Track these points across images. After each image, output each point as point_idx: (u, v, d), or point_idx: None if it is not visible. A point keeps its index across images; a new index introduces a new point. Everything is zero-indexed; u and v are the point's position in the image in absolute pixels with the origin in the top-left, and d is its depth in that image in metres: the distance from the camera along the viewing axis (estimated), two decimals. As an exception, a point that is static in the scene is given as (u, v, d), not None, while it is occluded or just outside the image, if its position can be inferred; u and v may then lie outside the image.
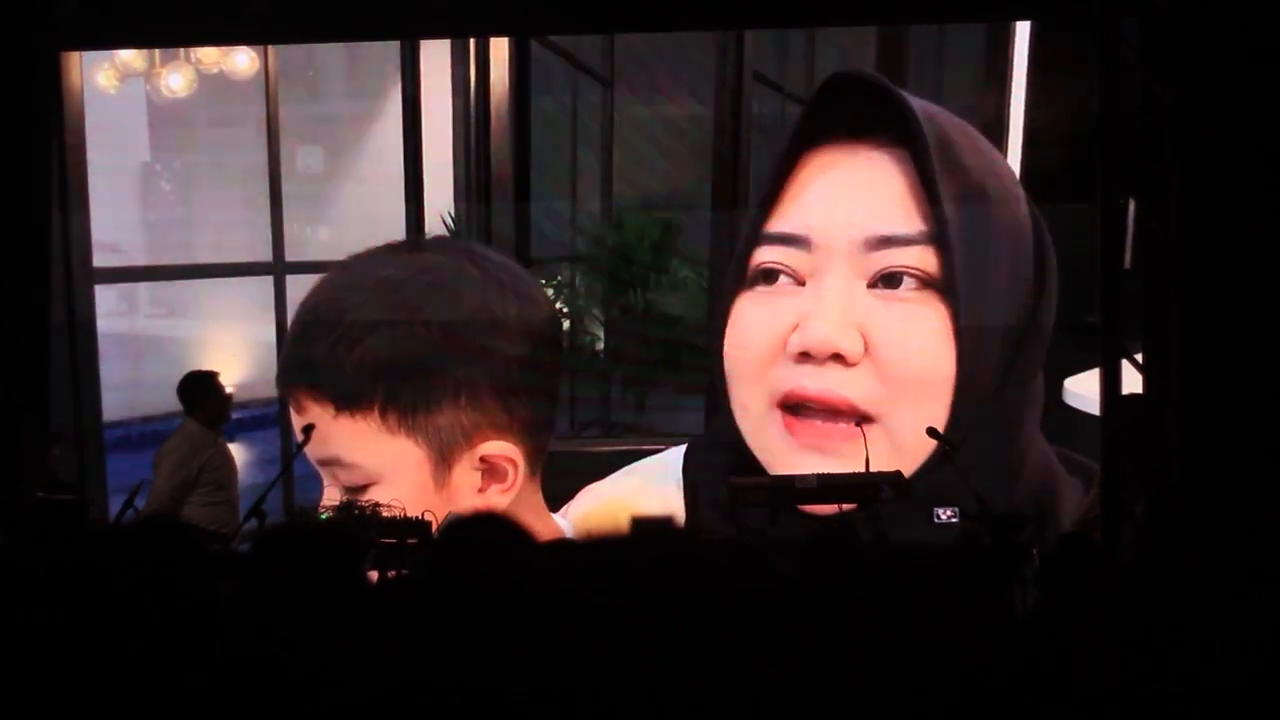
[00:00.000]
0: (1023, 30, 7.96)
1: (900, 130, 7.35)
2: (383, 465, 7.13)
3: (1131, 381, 6.90)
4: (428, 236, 8.78)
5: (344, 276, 7.66)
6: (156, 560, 2.86)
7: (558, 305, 8.95)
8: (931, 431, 6.87)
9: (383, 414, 7.31)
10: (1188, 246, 6.43)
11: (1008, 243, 7.45)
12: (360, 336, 7.33)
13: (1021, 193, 7.60)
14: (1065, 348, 7.77)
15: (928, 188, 7.27)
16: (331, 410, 7.28)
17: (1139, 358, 6.85)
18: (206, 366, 7.61)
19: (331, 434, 7.32)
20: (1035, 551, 5.56)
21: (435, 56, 9.07)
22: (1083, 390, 7.64)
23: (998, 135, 7.92)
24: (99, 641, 2.77)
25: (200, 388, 7.31)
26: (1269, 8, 6.22)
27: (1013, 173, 7.67)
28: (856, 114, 7.41)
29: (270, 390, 8.62)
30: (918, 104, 7.38)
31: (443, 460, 7.35)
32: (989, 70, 8.19)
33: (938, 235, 7.28)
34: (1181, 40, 6.44)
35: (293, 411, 7.46)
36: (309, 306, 7.63)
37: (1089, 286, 7.09)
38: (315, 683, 2.86)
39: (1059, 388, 7.86)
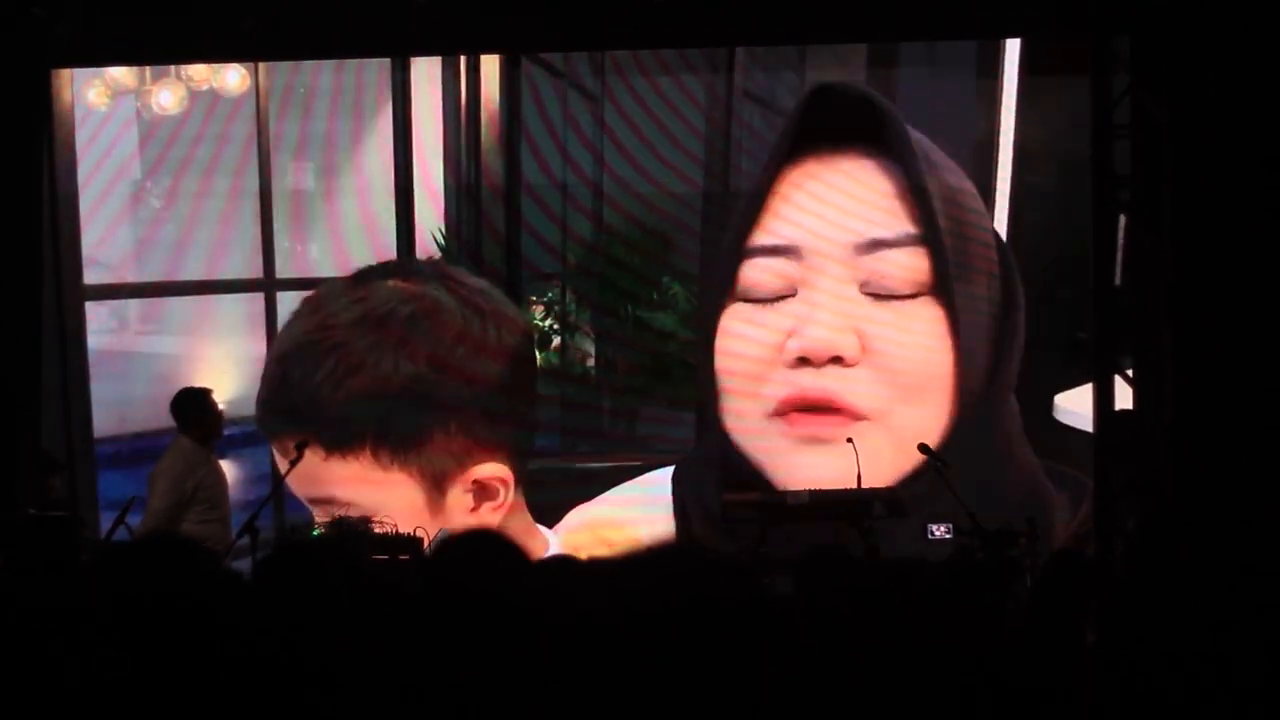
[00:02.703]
0: (1013, 47, 7.99)
1: (882, 138, 7.43)
2: (378, 501, 7.08)
3: (1123, 397, 6.91)
4: (418, 253, 8.77)
5: (317, 315, 7.57)
6: (166, 577, 2.86)
7: (549, 320, 8.96)
8: (923, 448, 6.86)
9: (374, 453, 7.28)
10: (1181, 263, 6.45)
11: (984, 250, 7.53)
12: (344, 377, 7.28)
13: (988, 220, 7.68)
14: (1056, 364, 7.79)
15: (916, 189, 7.33)
16: (322, 454, 7.24)
17: (1130, 373, 6.87)
18: (198, 383, 7.58)
19: (324, 475, 7.28)
20: (1029, 566, 5.57)
21: (426, 73, 9.06)
22: (1074, 406, 7.66)
23: (989, 153, 7.98)
24: (105, 659, 2.77)
25: (193, 404, 7.28)
26: (1261, 27, 6.24)
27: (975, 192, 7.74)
28: (838, 126, 7.51)
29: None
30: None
31: (436, 487, 7.35)
32: (980, 88, 8.21)
33: (929, 237, 7.34)
34: (1175, 58, 6.46)
35: (277, 453, 7.37)
36: (285, 351, 7.55)
37: (1081, 303, 7.11)
38: (311, 696, 2.86)
39: (1050, 404, 7.89)
